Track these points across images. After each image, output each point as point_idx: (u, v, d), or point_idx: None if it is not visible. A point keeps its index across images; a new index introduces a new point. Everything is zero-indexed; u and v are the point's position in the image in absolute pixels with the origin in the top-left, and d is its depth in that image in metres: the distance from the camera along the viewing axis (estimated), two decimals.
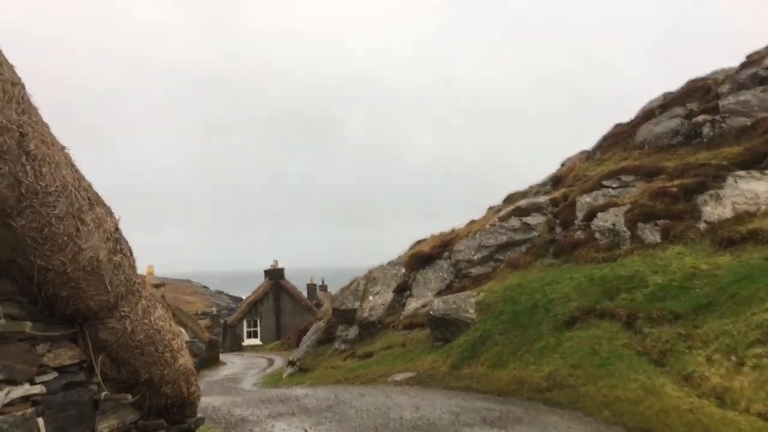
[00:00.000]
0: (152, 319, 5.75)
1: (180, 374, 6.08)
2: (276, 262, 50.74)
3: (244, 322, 49.03)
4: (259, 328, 48.96)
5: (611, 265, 15.04)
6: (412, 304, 19.15)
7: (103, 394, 5.49)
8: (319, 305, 56.57)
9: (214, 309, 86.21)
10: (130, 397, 5.66)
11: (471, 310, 16.02)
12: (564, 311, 13.72)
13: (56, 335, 5.20)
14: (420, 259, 20.93)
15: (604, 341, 12.37)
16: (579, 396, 11.02)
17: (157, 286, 34.07)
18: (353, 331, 20.27)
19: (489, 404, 11.37)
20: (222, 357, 40.92)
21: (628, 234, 15.98)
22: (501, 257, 18.50)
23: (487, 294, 16.49)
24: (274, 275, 49.97)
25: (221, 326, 52.71)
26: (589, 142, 26.98)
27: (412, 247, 28.53)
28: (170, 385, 5.99)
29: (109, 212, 5.35)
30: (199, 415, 7.06)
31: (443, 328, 16.35)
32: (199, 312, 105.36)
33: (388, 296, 20.07)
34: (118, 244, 5.37)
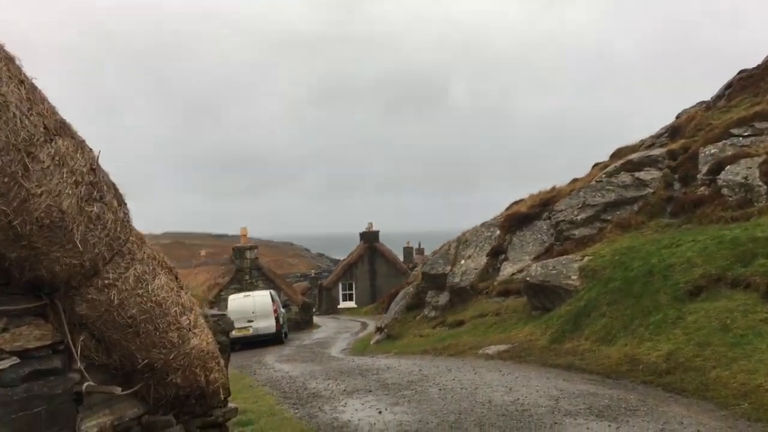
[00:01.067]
0: (150, 289, 4.39)
1: (194, 358, 4.72)
2: (370, 224, 49.83)
3: (339, 285, 48.60)
4: (354, 291, 48.42)
5: (744, 225, 12.71)
6: (508, 269, 17.41)
7: (86, 384, 4.21)
8: (414, 269, 55.49)
9: (313, 272, 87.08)
10: (118, 389, 4.35)
11: (574, 277, 14.12)
12: (686, 279, 11.60)
13: (14, 309, 3.94)
14: (516, 219, 19.05)
15: (738, 315, 10.24)
16: (708, 382, 9.04)
17: (250, 248, 33.81)
18: (443, 297, 18.78)
19: (595, 388, 9.58)
20: (317, 319, 40.60)
21: (764, 189, 13.54)
22: (608, 217, 16.37)
23: (593, 258, 14.51)
24: (369, 238, 49.11)
25: (318, 289, 52.60)
26: (706, 95, 23.88)
27: (509, 207, 26.55)
28: (180, 372, 4.65)
29: (81, 146, 3.98)
30: (231, 405, 5.75)
31: (542, 296, 14.55)
32: (299, 274, 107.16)
33: (481, 260, 18.40)
34: (95, 189, 4.00)
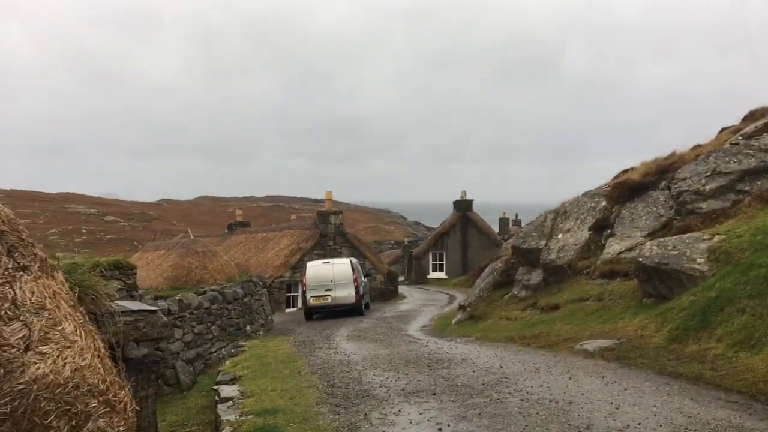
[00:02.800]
0: None
1: (36, 401, 2.60)
2: (464, 192, 47.12)
3: (430, 255, 46.38)
4: (444, 262, 46.08)
5: None
6: (614, 246, 14.56)
7: None
8: (507, 241, 52.45)
9: (407, 239, 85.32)
10: None
11: (700, 260, 11.21)
12: None
13: None
14: (627, 189, 16.05)
15: None
16: None
17: (335, 212, 32.09)
18: (536, 276, 16.16)
19: (740, 416, 6.86)
20: (405, 289, 38.65)
21: None
22: (746, 188, 13.19)
23: (727, 238, 11.51)
24: (462, 207, 46.47)
25: (407, 258, 50.62)
26: None
27: (617, 176, 23.32)
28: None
29: None
30: None
31: (657, 281, 11.73)
32: (393, 241, 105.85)
33: (582, 235, 15.61)
34: None
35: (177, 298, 14.62)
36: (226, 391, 9.45)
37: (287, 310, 30.43)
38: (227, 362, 12.90)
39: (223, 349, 15.69)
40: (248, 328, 17.57)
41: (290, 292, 30.63)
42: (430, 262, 46.35)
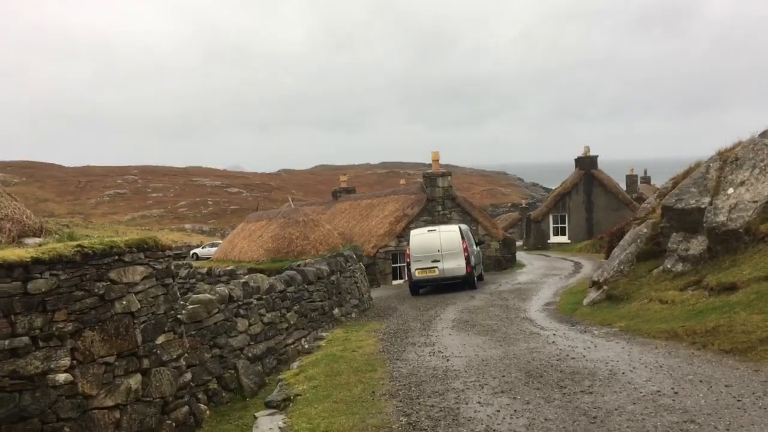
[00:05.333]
0: None
1: None
2: (587, 148, 42.11)
3: (550, 218, 41.91)
4: (567, 225, 41.51)
5: None
6: None
7: None
8: (640, 200, 46.91)
9: (524, 201, 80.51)
10: None
11: None
12: None
13: None
14: None
15: None
16: None
17: (442, 174, 28.72)
18: (696, 244, 12.10)
19: None
20: (523, 256, 34.76)
21: None
22: None
23: None
24: (585, 164, 41.52)
25: (525, 221, 46.39)
26: None
27: None
28: None
29: None
30: None
31: None
32: (510, 204, 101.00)
33: (765, 188, 11.38)
34: None
35: (242, 281, 11.89)
36: (264, 426, 6.48)
37: (394, 282, 27.55)
38: (294, 365, 10.02)
39: (303, 339, 12.90)
40: (336, 311, 14.69)
41: (396, 263, 27.69)
42: (551, 226, 41.90)
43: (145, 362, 8.13)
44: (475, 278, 22.07)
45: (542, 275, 25.50)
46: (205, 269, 22.22)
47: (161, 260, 8.84)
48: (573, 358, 8.44)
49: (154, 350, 8.32)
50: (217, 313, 10.68)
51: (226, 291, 11.17)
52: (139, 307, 8.10)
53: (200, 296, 10.54)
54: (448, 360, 8.99)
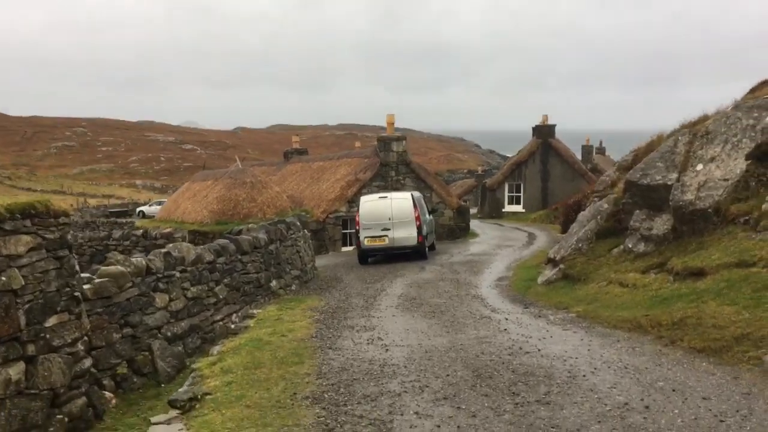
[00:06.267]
0: None
1: None
2: (545, 117, 41.27)
3: (506, 186, 41.15)
4: (522, 194, 40.83)
5: None
6: None
7: None
8: (595, 170, 46.52)
9: (480, 168, 79.97)
10: None
11: None
12: None
13: None
14: None
15: None
16: None
17: (397, 138, 27.47)
18: (661, 223, 11.19)
19: None
20: (477, 225, 33.94)
21: None
22: None
23: None
24: (543, 133, 40.71)
25: (480, 189, 45.59)
26: None
27: (757, 88, 17.60)
28: None
29: None
30: None
31: None
32: (466, 170, 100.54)
33: (736, 166, 10.49)
34: None
35: (163, 251, 10.52)
36: None
37: (343, 249, 26.39)
38: (215, 350, 8.80)
39: (234, 315, 11.65)
40: (274, 283, 13.45)
41: (346, 229, 26.50)
42: (506, 194, 41.15)
43: (30, 348, 6.82)
44: (427, 248, 21.06)
45: (496, 246, 24.66)
46: (141, 231, 20.64)
47: (54, 229, 7.44)
48: (527, 352, 7.42)
49: (43, 334, 6.99)
50: (130, 287, 9.33)
51: (144, 262, 9.81)
52: (23, 284, 6.75)
53: (110, 269, 9.15)
54: (387, 350, 7.88)
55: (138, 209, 51.22)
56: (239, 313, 11.84)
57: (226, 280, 11.67)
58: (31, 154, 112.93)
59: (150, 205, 50.75)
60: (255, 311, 11.36)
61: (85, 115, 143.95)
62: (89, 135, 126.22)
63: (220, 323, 11.26)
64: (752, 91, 17.95)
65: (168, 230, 20.95)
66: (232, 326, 10.43)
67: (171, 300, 10.16)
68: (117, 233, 20.73)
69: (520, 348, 7.63)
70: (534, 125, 41.70)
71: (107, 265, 9.49)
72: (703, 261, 9.60)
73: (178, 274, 10.43)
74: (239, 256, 12.33)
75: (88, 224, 41.33)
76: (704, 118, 14.18)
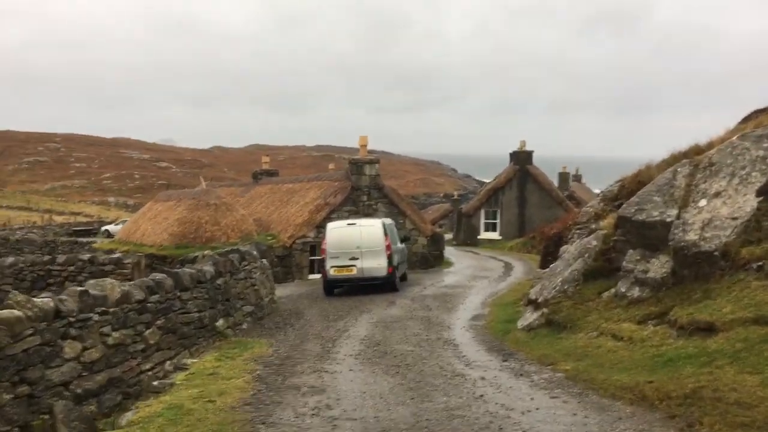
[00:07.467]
0: None
1: None
2: (523, 143, 40.13)
3: (482, 212, 39.81)
4: (498, 221, 39.49)
5: None
6: None
7: None
8: (572, 198, 45.45)
9: (456, 193, 78.81)
10: None
11: None
12: None
13: None
14: None
15: None
16: None
17: (370, 161, 26.00)
18: (659, 265, 9.74)
19: None
20: (452, 252, 32.41)
21: None
22: None
23: None
24: (521, 159, 39.53)
25: (456, 215, 44.19)
26: None
27: (751, 117, 16.39)
28: None
29: None
30: None
31: None
32: (442, 194, 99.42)
33: (747, 202, 9.11)
34: None
35: (80, 289, 8.81)
36: None
37: (311, 277, 24.66)
38: (123, 420, 7.07)
39: (168, 362, 9.91)
40: (221, 322, 11.73)
41: (314, 255, 24.80)
42: (482, 221, 39.75)
43: None
44: (398, 279, 19.48)
45: (471, 276, 23.15)
46: (88, 256, 18.79)
47: None
48: None
49: None
50: (30, 335, 7.60)
51: (52, 304, 8.07)
52: None
53: (2, 313, 7.42)
54: (334, 427, 6.23)
55: (103, 228, 49.02)
56: (175, 360, 10.10)
57: (159, 322, 9.93)
58: (2, 169, 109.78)
59: (116, 224, 48.56)
60: (189, 361, 9.63)
61: (60, 131, 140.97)
62: (63, 150, 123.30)
63: (150, 373, 9.52)
64: (745, 120, 16.72)
65: (116, 255, 19.12)
66: (155, 383, 8.69)
67: (85, 349, 8.41)
68: (61, 258, 18.82)
69: (500, 429, 6.04)
70: (511, 151, 40.54)
71: (2, 308, 7.75)
72: (713, 314, 8.12)
73: (96, 317, 8.70)
74: (178, 293, 10.60)
75: (48, 243, 39.12)
76: (696, 149, 12.85)
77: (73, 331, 8.26)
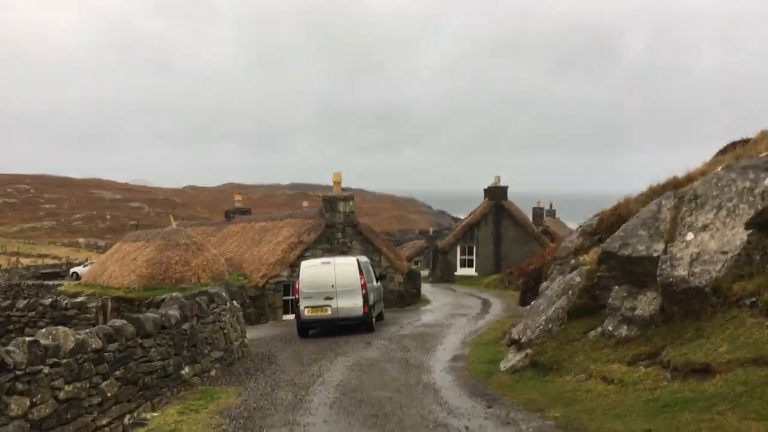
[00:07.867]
0: None
1: None
2: (497, 178, 40.03)
3: (458, 249, 39.39)
4: (475, 257, 39.10)
5: None
6: None
7: None
8: (546, 233, 45.31)
9: (431, 229, 78.57)
10: None
11: None
12: None
13: None
14: None
15: None
16: None
17: (344, 198, 25.49)
18: (647, 302, 9.30)
19: None
20: (428, 289, 31.86)
21: None
22: None
23: None
24: (495, 194, 39.36)
25: (432, 251, 43.75)
26: None
27: (728, 150, 16.24)
28: None
29: None
30: None
31: None
32: (417, 231, 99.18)
33: (735, 236, 8.75)
34: None
35: (29, 339, 8.09)
36: None
37: (284, 317, 23.87)
38: None
39: (128, 416, 9.14)
40: (186, 370, 10.98)
41: (288, 295, 24.05)
42: (458, 257, 39.33)
43: None
44: (374, 319, 18.81)
45: (449, 314, 22.56)
46: (50, 300, 17.86)
47: None
48: None
49: None
50: None
51: None
52: None
53: None
54: None
55: (72, 270, 47.63)
56: (135, 413, 9.33)
57: (118, 372, 9.18)
58: None
59: (85, 266, 47.26)
60: (149, 415, 8.88)
61: (29, 172, 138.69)
62: (32, 191, 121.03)
63: (106, 430, 8.74)
64: (722, 152, 16.62)
65: (80, 299, 18.21)
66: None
67: (33, 405, 7.64)
68: (21, 303, 17.87)
69: None
70: (486, 187, 40.39)
71: None
72: (708, 354, 7.66)
73: (47, 369, 7.95)
74: (140, 340, 9.86)
75: (12, 287, 37.77)
76: (675, 181, 12.59)
77: (20, 386, 7.51)
